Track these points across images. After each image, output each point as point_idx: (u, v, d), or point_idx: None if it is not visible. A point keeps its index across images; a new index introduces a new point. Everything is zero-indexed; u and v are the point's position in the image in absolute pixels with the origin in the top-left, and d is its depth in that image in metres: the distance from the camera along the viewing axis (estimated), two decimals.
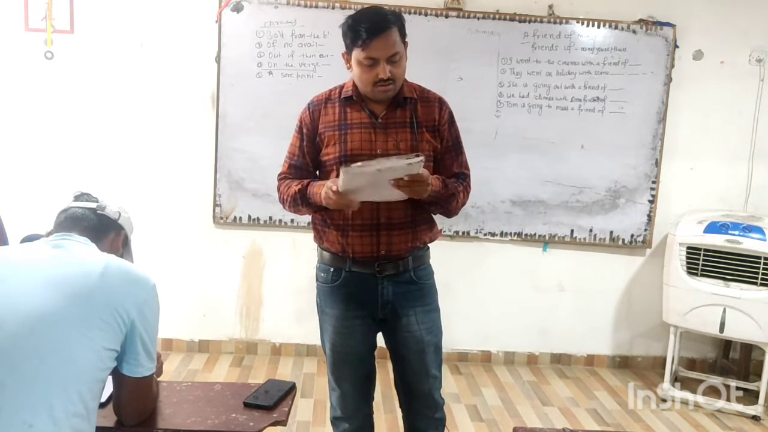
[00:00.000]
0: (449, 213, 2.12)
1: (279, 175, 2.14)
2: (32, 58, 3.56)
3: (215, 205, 3.73)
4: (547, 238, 3.85)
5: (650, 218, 3.85)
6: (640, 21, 3.71)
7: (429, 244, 2.14)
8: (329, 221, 2.05)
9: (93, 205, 1.60)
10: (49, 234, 1.54)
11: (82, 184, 3.52)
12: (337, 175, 1.87)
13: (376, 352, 2.18)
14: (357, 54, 1.92)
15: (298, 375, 3.62)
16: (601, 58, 3.71)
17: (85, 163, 3.61)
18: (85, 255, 1.45)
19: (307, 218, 3.71)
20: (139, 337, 1.42)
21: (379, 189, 1.83)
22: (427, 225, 2.10)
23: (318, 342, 3.97)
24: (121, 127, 3.65)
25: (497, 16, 3.66)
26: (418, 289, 2.09)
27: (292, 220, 3.75)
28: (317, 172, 2.11)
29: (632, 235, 3.87)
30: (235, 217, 3.74)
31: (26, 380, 1.28)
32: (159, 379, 1.64)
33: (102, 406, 1.50)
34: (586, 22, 3.69)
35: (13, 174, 3.61)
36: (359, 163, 1.77)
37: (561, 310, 3.96)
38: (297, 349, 3.90)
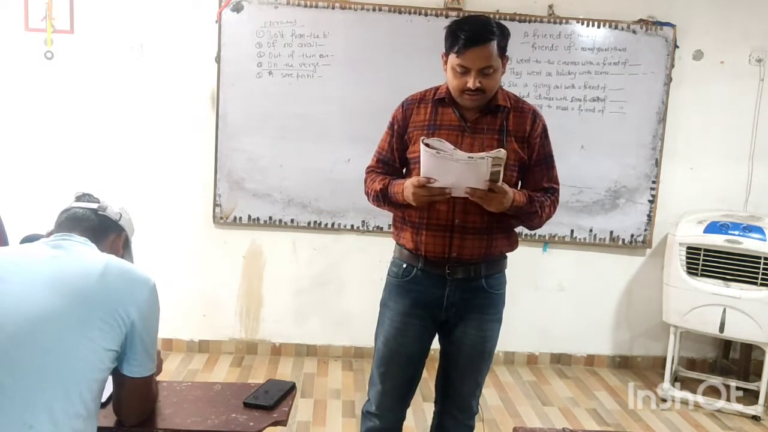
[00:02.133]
0: (531, 227, 2.14)
1: (367, 168, 2.16)
2: (32, 58, 3.56)
3: (215, 205, 3.73)
4: (547, 238, 3.85)
5: (650, 218, 3.85)
6: (640, 21, 3.71)
7: (507, 254, 2.14)
8: (407, 218, 2.06)
9: (94, 205, 1.60)
10: (49, 234, 1.54)
11: (83, 184, 3.52)
12: (419, 174, 1.89)
13: (425, 359, 2.17)
14: (452, 59, 1.94)
15: (298, 375, 3.62)
16: (601, 58, 3.71)
17: (85, 163, 3.62)
18: (85, 255, 1.45)
19: (306, 218, 3.75)
20: (139, 337, 1.42)
21: (459, 180, 1.84)
22: (504, 234, 2.09)
23: (318, 342, 3.97)
24: (121, 127, 3.65)
25: (497, 16, 3.65)
26: (486, 298, 2.08)
27: (292, 220, 3.75)
28: (404, 170, 2.13)
29: (632, 235, 3.87)
30: (235, 217, 3.74)
31: (26, 381, 1.28)
32: (159, 378, 1.63)
33: (102, 406, 1.50)
34: (586, 22, 3.69)
35: (13, 174, 3.61)
36: (437, 139, 1.82)
37: (561, 310, 3.95)
38: (297, 349, 3.90)
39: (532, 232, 3.82)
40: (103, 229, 1.58)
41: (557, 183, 2.13)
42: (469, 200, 1.90)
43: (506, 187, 1.89)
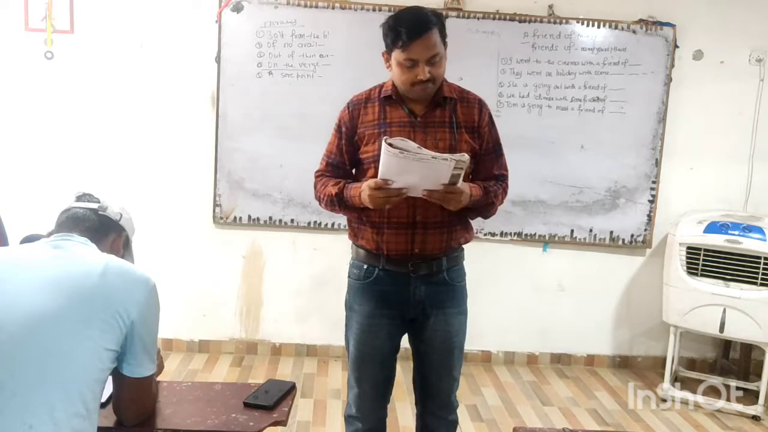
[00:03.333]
0: (486, 217, 2.15)
1: (316, 172, 2.15)
2: (32, 58, 3.56)
3: (215, 205, 3.73)
4: (547, 238, 3.85)
5: (650, 218, 3.85)
6: (640, 21, 3.71)
7: (464, 246, 2.14)
8: (365, 219, 2.05)
9: (94, 205, 1.60)
10: (50, 234, 1.54)
11: (83, 184, 3.52)
12: (375, 174, 1.89)
13: (397, 355, 2.18)
14: (397, 55, 1.92)
15: (298, 375, 3.62)
16: (601, 58, 3.71)
17: (85, 163, 3.61)
18: (85, 255, 1.45)
19: (306, 218, 3.75)
20: (138, 338, 1.42)
21: (418, 180, 1.83)
22: (462, 226, 2.10)
23: (318, 342, 3.97)
24: (121, 127, 3.65)
25: (497, 16, 3.66)
26: (450, 290, 2.09)
27: (292, 220, 3.75)
28: (353, 171, 2.12)
29: (632, 235, 3.87)
30: (235, 217, 3.74)
31: (26, 381, 1.28)
32: (159, 378, 1.63)
33: (102, 406, 1.50)
34: (586, 22, 3.69)
35: (13, 174, 3.61)
36: (400, 138, 1.80)
37: (561, 310, 3.95)
38: (297, 349, 3.90)
39: (532, 232, 3.84)
40: (104, 229, 1.58)
41: (506, 170, 2.15)
42: None
43: (464, 185, 1.89)
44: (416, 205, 1.97)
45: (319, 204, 2.14)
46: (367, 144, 2.03)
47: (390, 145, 1.76)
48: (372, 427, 2.18)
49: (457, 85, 2.10)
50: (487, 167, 2.09)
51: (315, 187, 2.13)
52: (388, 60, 1.98)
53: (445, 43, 1.96)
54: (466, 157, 1.81)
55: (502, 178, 2.11)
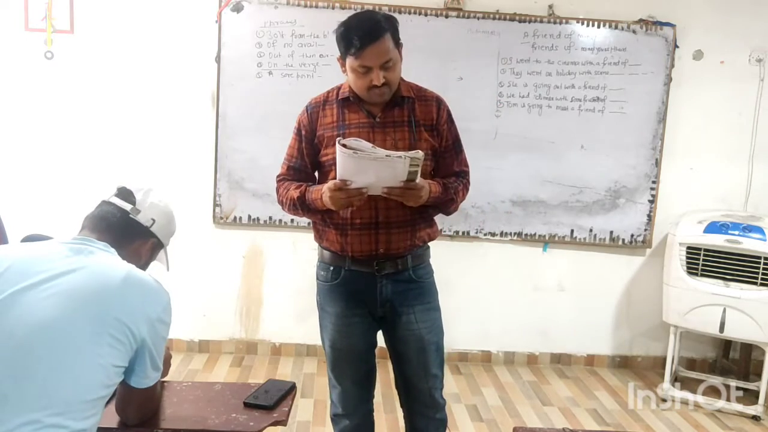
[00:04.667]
0: (447, 213, 2.15)
1: (278, 176, 2.15)
2: (32, 58, 3.56)
3: (215, 205, 3.73)
4: (547, 238, 3.85)
5: (650, 218, 3.85)
6: (640, 21, 3.71)
7: (429, 243, 2.14)
8: (329, 220, 2.06)
9: (128, 207, 1.56)
10: (86, 221, 1.51)
11: (82, 184, 3.54)
12: (336, 176, 1.88)
13: (377, 351, 2.18)
14: (350, 62, 1.92)
15: (298, 375, 3.62)
16: (601, 58, 3.71)
17: (85, 163, 3.61)
18: (103, 266, 1.41)
19: (306, 218, 3.74)
20: (148, 353, 1.41)
21: (376, 179, 1.83)
22: (426, 224, 2.10)
23: (318, 342, 3.97)
24: (121, 127, 3.65)
25: (497, 16, 3.66)
26: (417, 288, 2.09)
27: (292, 220, 3.75)
28: (316, 174, 2.12)
29: (632, 235, 3.87)
30: (235, 217, 3.74)
31: (30, 394, 1.26)
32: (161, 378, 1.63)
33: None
34: (586, 22, 3.69)
35: (13, 174, 3.61)
36: (354, 138, 1.80)
37: (561, 310, 3.95)
38: (297, 349, 3.90)
39: (532, 232, 3.84)
40: (129, 235, 1.55)
41: (467, 166, 2.15)
42: None
43: (422, 181, 1.90)
44: (378, 205, 1.98)
45: (282, 208, 2.13)
46: (327, 147, 2.03)
47: (344, 146, 1.78)
48: (360, 423, 2.19)
49: (415, 84, 2.10)
50: (448, 164, 2.10)
51: (277, 192, 2.13)
52: (343, 65, 1.98)
53: (399, 47, 1.96)
54: (420, 153, 1.82)
55: (462, 175, 2.12)
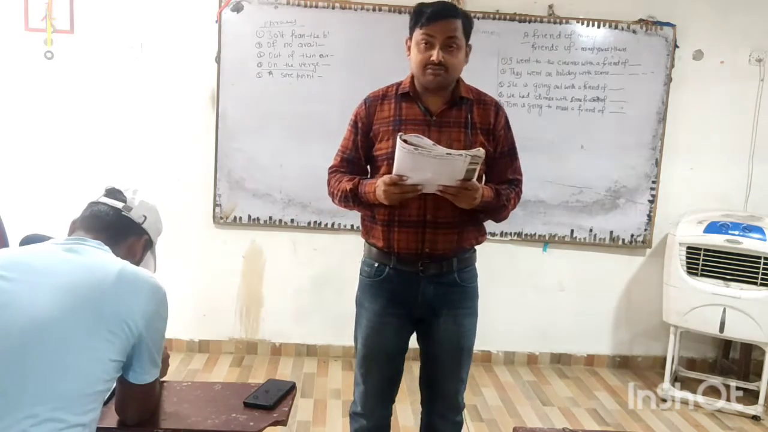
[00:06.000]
0: (497, 220, 2.15)
1: (330, 168, 2.15)
2: (32, 58, 3.56)
3: (215, 205, 3.73)
4: (547, 238, 3.85)
5: (650, 218, 3.85)
6: (640, 21, 3.71)
7: (476, 247, 2.14)
8: (377, 216, 2.05)
9: (119, 205, 1.57)
10: (74, 224, 1.52)
11: (82, 184, 3.54)
12: (388, 171, 1.89)
13: (405, 355, 2.17)
14: (416, 34, 1.96)
15: (298, 375, 3.62)
16: (601, 58, 3.71)
17: (85, 163, 3.61)
18: (98, 262, 1.42)
19: (306, 218, 3.75)
20: (146, 348, 1.41)
21: (433, 176, 1.83)
22: (474, 227, 2.09)
23: (318, 342, 3.98)
24: (121, 127, 3.65)
25: (497, 16, 3.66)
26: (460, 291, 2.09)
27: (292, 220, 3.75)
28: (368, 167, 2.12)
29: (632, 235, 3.87)
30: (235, 217, 3.74)
31: (29, 390, 1.27)
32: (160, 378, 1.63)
33: (103, 404, 1.50)
34: (586, 22, 3.69)
35: (13, 174, 3.61)
36: (415, 135, 1.81)
37: (561, 310, 3.95)
38: (297, 349, 3.90)
39: (533, 232, 3.84)
40: (123, 232, 1.56)
41: (521, 174, 2.15)
42: (440, 195, 1.91)
43: (477, 183, 1.90)
44: (427, 204, 1.97)
45: (332, 200, 2.13)
46: (381, 141, 2.03)
47: (405, 141, 1.77)
48: (376, 425, 2.18)
49: (474, 87, 2.11)
50: (501, 171, 2.09)
51: (328, 183, 2.13)
52: (408, 48, 2.01)
53: (467, 39, 1.98)
54: (481, 151, 1.81)
55: (515, 183, 2.11)
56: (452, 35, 1.93)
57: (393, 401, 2.21)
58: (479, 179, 1.98)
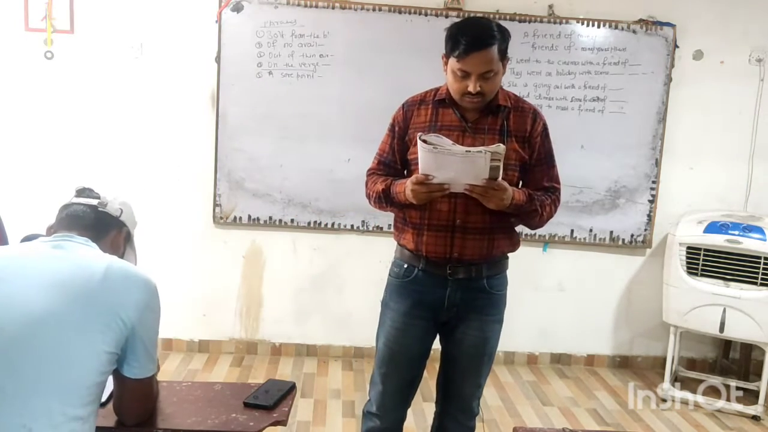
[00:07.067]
0: (532, 226, 2.14)
1: (368, 170, 2.16)
2: (32, 58, 3.56)
3: (215, 205, 3.73)
4: (547, 238, 3.85)
5: (650, 218, 3.85)
6: (640, 21, 3.71)
7: (508, 254, 2.13)
8: (408, 219, 2.06)
9: (94, 202, 1.59)
10: (50, 230, 1.53)
11: (83, 184, 3.51)
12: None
13: (426, 360, 2.17)
14: (452, 63, 1.94)
15: (298, 375, 3.62)
16: (601, 58, 3.71)
17: (85, 163, 3.61)
18: (86, 257, 1.44)
19: (306, 218, 3.75)
20: (140, 340, 1.42)
21: (457, 175, 1.84)
22: (505, 234, 2.08)
23: (318, 342, 3.97)
24: (121, 127, 3.65)
25: (497, 16, 3.65)
26: (488, 298, 2.08)
27: (292, 220, 3.75)
28: (405, 172, 2.12)
29: (632, 235, 3.87)
30: (235, 217, 3.74)
31: (26, 384, 1.27)
32: (159, 378, 1.63)
33: (102, 405, 1.50)
34: (586, 22, 3.69)
35: (13, 174, 3.61)
36: (435, 135, 1.83)
37: (561, 310, 3.95)
38: (297, 349, 3.90)
39: (532, 232, 3.83)
40: (104, 227, 1.58)
41: (558, 182, 2.13)
42: (471, 200, 1.91)
43: (505, 184, 1.89)
44: (457, 209, 1.97)
45: (369, 202, 2.15)
46: (415, 145, 2.02)
47: (424, 141, 1.80)
48: (389, 427, 2.17)
49: (514, 94, 2.10)
50: (537, 178, 2.08)
51: (366, 185, 2.15)
52: (445, 64, 1.99)
53: (505, 59, 1.95)
54: (501, 147, 1.81)
55: (552, 190, 2.10)
56: (488, 69, 1.90)
57: (409, 404, 2.21)
58: (516, 185, 1.99)
